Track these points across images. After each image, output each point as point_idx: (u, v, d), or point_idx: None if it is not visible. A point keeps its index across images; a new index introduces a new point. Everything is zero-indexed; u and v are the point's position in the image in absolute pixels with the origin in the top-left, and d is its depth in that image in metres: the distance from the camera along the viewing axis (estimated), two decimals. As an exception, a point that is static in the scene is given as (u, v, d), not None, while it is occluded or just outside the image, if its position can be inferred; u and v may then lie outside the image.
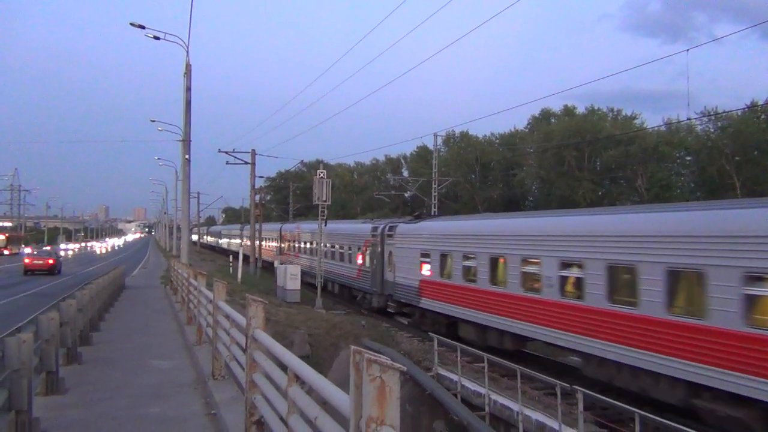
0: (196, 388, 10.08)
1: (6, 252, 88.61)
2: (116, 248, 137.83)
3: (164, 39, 27.69)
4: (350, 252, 33.37)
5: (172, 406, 8.95)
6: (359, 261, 31.69)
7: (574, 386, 12.83)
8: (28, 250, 69.63)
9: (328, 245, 36.09)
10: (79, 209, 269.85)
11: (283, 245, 49.86)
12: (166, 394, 9.73)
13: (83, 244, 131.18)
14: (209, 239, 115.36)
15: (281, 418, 5.45)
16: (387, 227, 28.65)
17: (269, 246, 54.40)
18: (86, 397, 9.48)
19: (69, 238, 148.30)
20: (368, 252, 30.28)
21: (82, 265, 62.09)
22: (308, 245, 41.30)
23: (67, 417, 8.34)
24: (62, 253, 73.70)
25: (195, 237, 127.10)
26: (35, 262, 49.25)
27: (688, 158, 55.33)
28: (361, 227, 32.93)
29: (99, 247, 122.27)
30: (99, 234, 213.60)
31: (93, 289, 16.40)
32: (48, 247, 71.75)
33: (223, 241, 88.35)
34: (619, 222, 15.46)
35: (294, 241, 46.04)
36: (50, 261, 49.40)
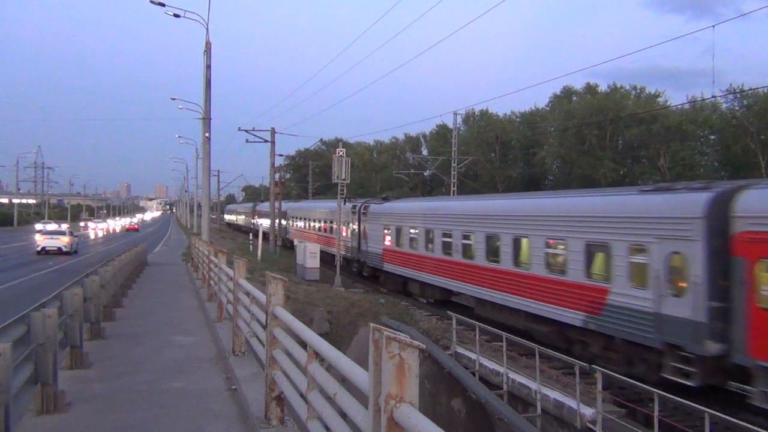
0: (217, 363, 10.20)
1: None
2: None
3: (184, 17, 27.78)
4: None
5: (194, 381, 9.08)
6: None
7: (593, 365, 12.82)
8: (123, 220, 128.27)
9: None
10: (101, 187, 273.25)
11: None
12: (187, 369, 9.88)
13: (82, 224, 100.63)
14: (254, 222, 70.34)
15: (301, 395, 5.50)
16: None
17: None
18: (110, 371, 9.65)
19: (92, 215, 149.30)
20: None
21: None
22: None
23: (91, 390, 8.50)
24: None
25: (230, 217, 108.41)
26: (130, 226, 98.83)
27: (712, 137, 54.34)
28: None
29: (93, 228, 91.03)
30: (121, 211, 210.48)
31: (115, 266, 16.62)
32: (136, 218, 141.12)
33: (299, 225, 50.55)
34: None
35: None
36: (136, 226, 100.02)
